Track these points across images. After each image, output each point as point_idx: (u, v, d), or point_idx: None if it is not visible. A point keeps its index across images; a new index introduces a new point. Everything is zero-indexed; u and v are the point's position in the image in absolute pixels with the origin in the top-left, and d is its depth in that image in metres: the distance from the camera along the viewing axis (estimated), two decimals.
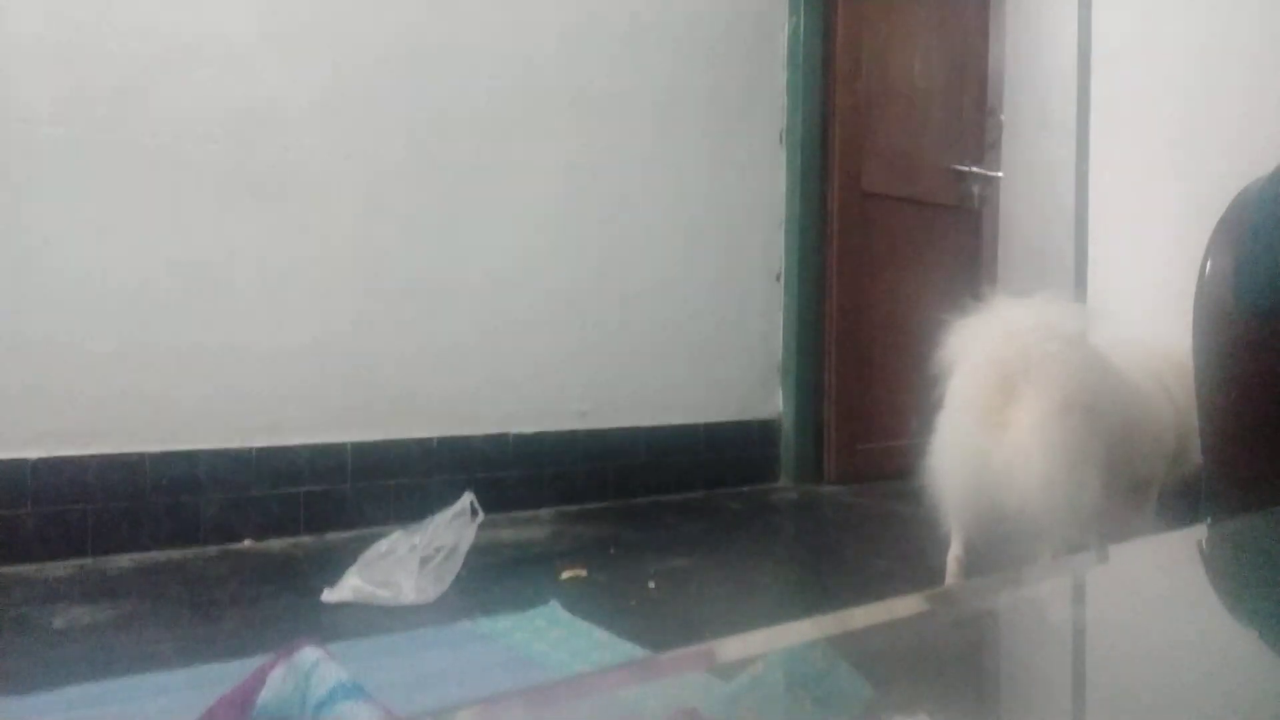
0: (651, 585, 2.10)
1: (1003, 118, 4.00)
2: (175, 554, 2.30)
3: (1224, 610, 0.91)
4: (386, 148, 2.63)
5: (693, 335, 3.24)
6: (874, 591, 2.09)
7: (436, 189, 2.72)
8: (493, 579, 2.12)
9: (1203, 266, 1.47)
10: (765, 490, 3.33)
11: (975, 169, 3.84)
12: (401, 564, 1.96)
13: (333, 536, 2.50)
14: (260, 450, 2.45)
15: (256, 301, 2.46)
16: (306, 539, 2.48)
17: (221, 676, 1.13)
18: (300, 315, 2.52)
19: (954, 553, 1.85)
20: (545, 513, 2.84)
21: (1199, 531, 1.16)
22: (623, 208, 3.06)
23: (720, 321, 3.31)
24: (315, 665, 0.82)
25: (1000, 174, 3.97)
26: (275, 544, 2.43)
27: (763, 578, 2.27)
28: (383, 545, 2.01)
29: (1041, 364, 1.66)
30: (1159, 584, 1.00)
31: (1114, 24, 2.62)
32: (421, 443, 2.68)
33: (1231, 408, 1.38)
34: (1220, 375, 1.40)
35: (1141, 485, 1.89)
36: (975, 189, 3.86)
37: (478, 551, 2.11)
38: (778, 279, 3.44)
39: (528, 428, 2.87)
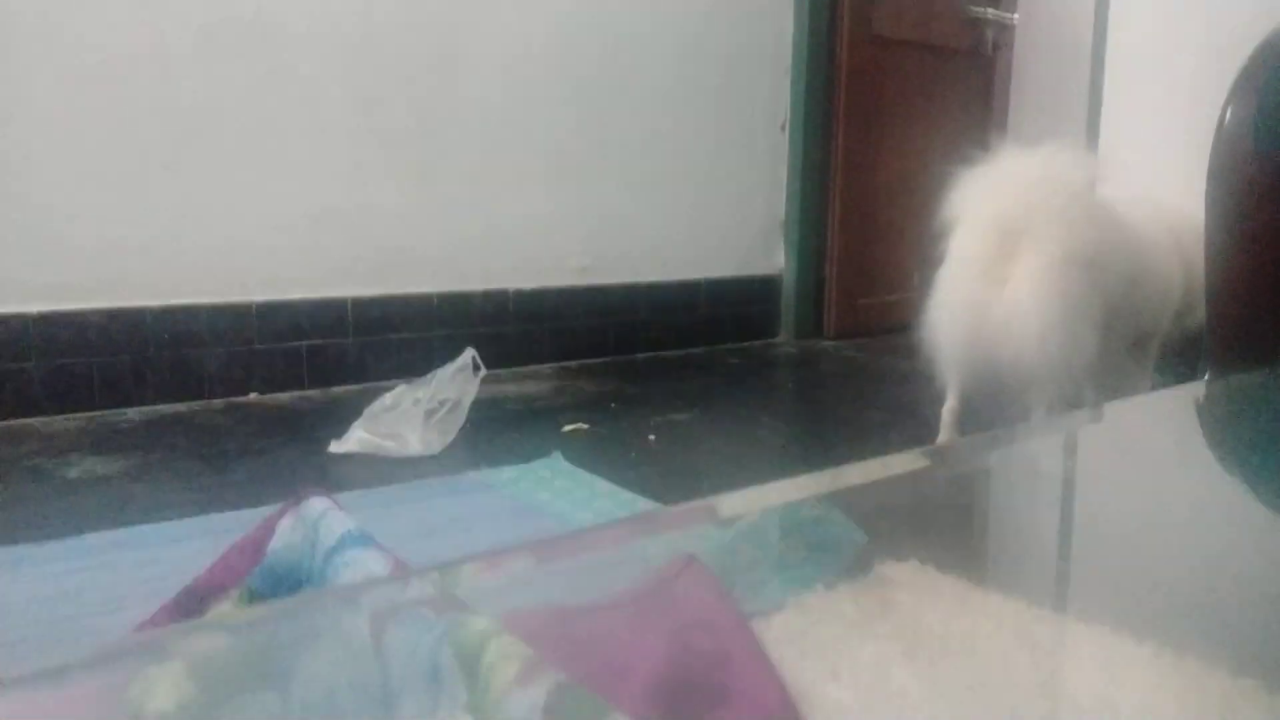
0: (652, 438, 2.13)
1: None
2: (181, 407, 2.34)
3: (1214, 466, 0.92)
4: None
5: (694, 188, 3.18)
6: (871, 443, 2.13)
7: (429, 28, 2.61)
8: (496, 432, 2.15)
9: (1222, 114, 1.42)
10: (766, 345, 3.35)
11: (990, 13, 3.67)
12: (406, 417, 1.99)
13: (337, 390, 2.53)
14: (261, 304, 2.45)
15: (247, 151, 2.40)
16: (312, 392, 2.51)
17: (233, 525, 1.17)
18: (292, 165, 2.46)
19: (949, 405, 1.87)
20: (547, 368, 2.86)
21: (1196, 388, 1.16)
22: (620, 52, 2.95)
23: (722, 174, 3.24)
24: (323, 514, 0.84)
25: (1016, 18, 3.80)
26: (281, 397, 2.46)
27: (761, 431, 2.31)
28: (387, 399, 2.04)
29: (1044, 218, 1.63)
30: (1152, 440, 1.01)
31: None
32: (422, 298, 2.67)
33: (1240, 257, 1.36)
34: (1232, 223, 1.37)
35: (1145, 339, 1.90)
36: (989, 34, 3.71)
37: (481, 405, 2.14)
38: (782, 129, 3.35)
39: (527, 284, 2.85)
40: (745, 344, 3.33)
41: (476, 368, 2.09)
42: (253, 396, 2.44)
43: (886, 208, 3.50)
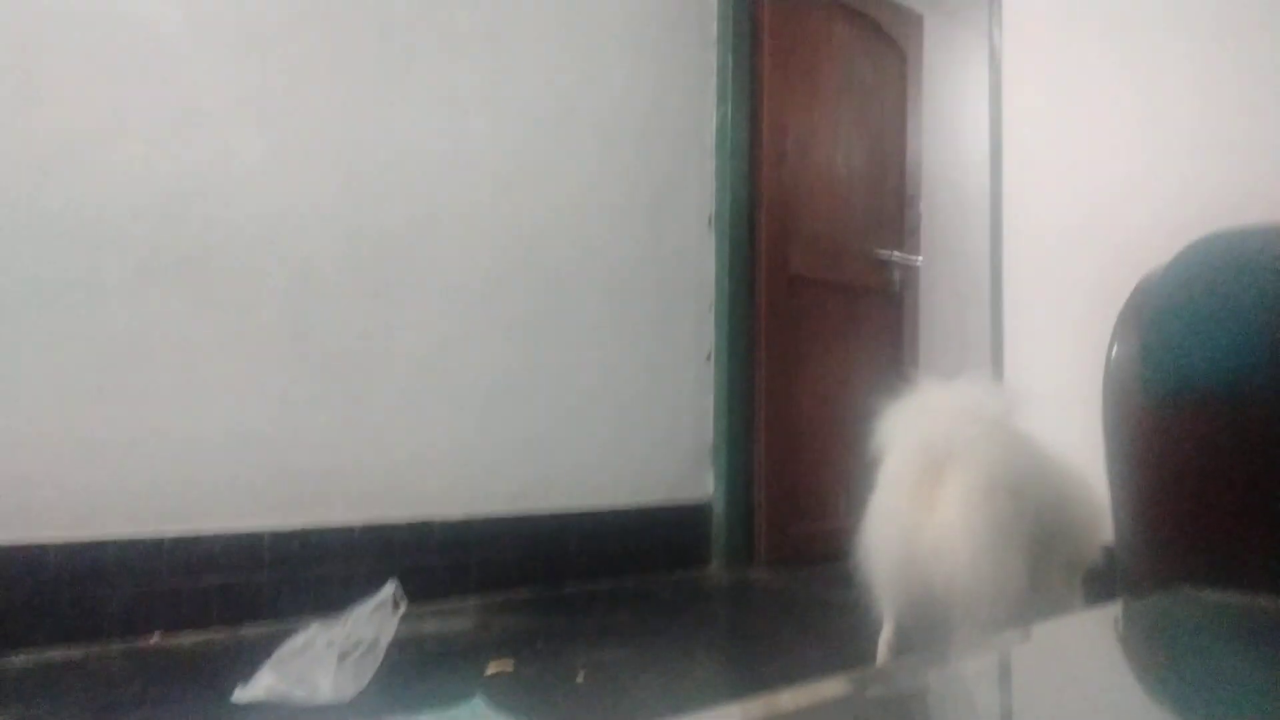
0: (580, 678, 2.04)
1: (921, 206, 4.16)
2: (77, 652, 2.18)
3: (1136, 687, 0.92)
4: (316, 223, 2.61)
5: (624, 416, 3.23)
6: (807, 677, 2.07)
7: (365, 266, 2.70)
8: (414, 675, 2.04)
9: (1109, 352, 1.53)
10: (697, 575, 3.30)
11: (896, 255, 3.97)
12: (319, 660, 1.88)
13: (247, 630, 2.39)
14: (173, 539, 2.35)
15: (175, 380, 2.39)
16: (219, 633, 2.37)
17: None
18: (220, 395, 2.45)
19: (885, 635, 1.85)
20: (471, 602, 2.76)
21: (1114, 610, 1.18)
22: (552, 286, 3.08)
23: (652, 403, 3.31)
24: None
25: (920, 260, 4.11)
26: (186, 639, 2.31)
27: (693, 667, 2.23)
28: (299, 640, 1.94)
29: (967, 446, 1.69)
30: (1078, 662, 1.01)
31: (1023, 117, 2.76)
32: (343, 530, 2.60)
33: (1137, 487, 1.42)
34: (1127, 456, 1.44)
35: (1074, 564, 1.92)
36: (896, 274, 3.99)
37: (399, 645, 2.04)
38: (708, 359, 3.47)
39: (453, 513, 2.81)
40: (676, 573, 3.28)
41: (397, 604, 2.01)
42: (155, 638, 2.29)
43: (811, 435, 3.60)
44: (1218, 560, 1.29)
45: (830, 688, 0.92)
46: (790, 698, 0.86)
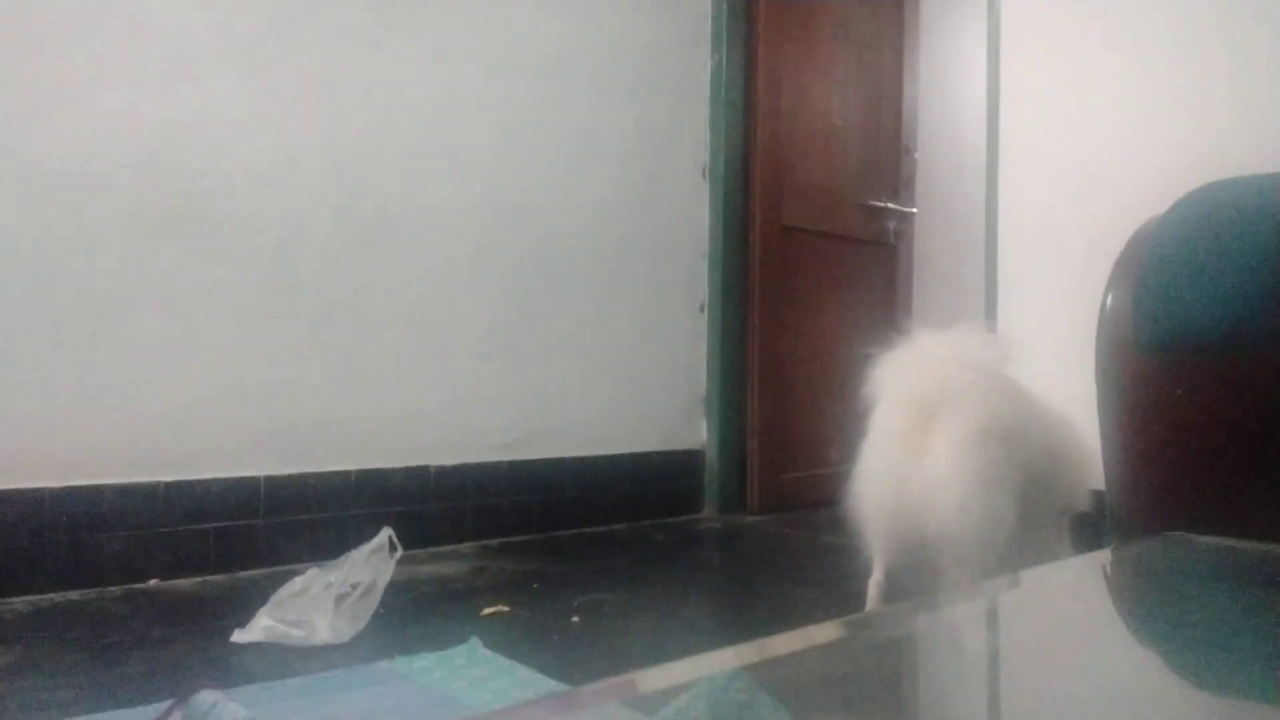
0: (575, 620, 2.07)
1: (917, 156, 4.13)
2: (76, 595, 2.20)
3: (1124, 631, 0.94)
4: (307, 175, 2.59)
5: (617, 366, 3.24)
6: (797, 620, 2.11)
7: (357, 218, 2.68)
8: (412, 617, 2.07)
9: (1103, 301, 1.53)
10: (690, 521, 3.34)
11: (891, 205, 3.95)
12: (316, 602, 1.90)
13: (245, 574, 2.42)
14: (169, 484, 2.36)
15: (168, 330, 2.38)
16: (217, 577, 2.39)
17: None
18: (214, 344, 2.44)
19: (875, 579, 1.87)
20: (467, 547, 2.79)
21: (1103, 556, 1.20)
22: (547, 237, 3.06)
23: (645, 352, 3.32)
24: (213, 707, 0.79)
25: (915, 210, 4.09)
26: (183, 583, 2.33)
27: (687, 609, 2.27)
28: (297, 583, 1.95)
29: (959, 394, 1.70)
30: (1066, 607, 1.03)
31: (1021, 69, 2.73)
32: (338, 475, 2.62)
33: (1129, 435, 1.43)
34: (1119, 404, 1.45)
35: (1063, 511, 1.95)
36: (891, 224, 3.97)
37: (396, 588, 2.07)
38: (701, 310, 3.47)
39: (449, 460, 2.83)
40: (670, 519, 3.31)
41: (393, 548, 2.02)
42: (153, 583, 2.31)
43: (804, 385, 3.61)
44: (1208, 507, 1.31)
45: (822, 632, 0.93)
46: (783, 641, 0.88)
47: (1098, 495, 1.95)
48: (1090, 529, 1.96)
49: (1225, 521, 1.22)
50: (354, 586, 1.94)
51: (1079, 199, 2.57)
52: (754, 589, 2.57)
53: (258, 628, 1.87)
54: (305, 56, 2.59)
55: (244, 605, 1.97)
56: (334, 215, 2.64)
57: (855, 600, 1.95)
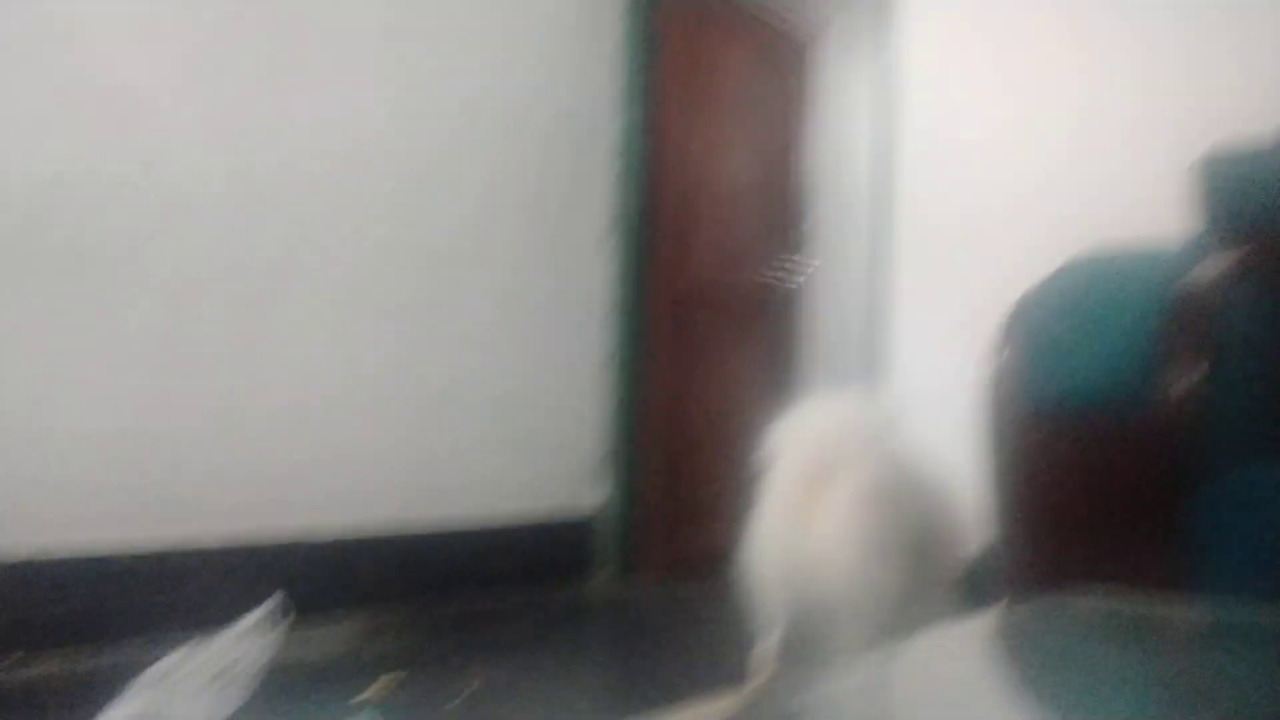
0: (466, 697, 1.99)
1: (812, 219, 4.24)
2: None
3: (1019, 694, 0.94)
4: (198, 225, 2.48)
5: (516, 425, 3.18)
6: (692, 688, 2.06)
7: (250, 266, 2.58)
8: (289, 697, 1.94)
9: (991, 362, 1.57)
10: (586, 587, 3.27)
11: (789, 264, 4.03)
12: (190, 683, 1.78)
13: (109, 656, 2.24)
14: (24, 562, 2.19)
15: (37, 385, 2.23)
16: (77, 659, 2.21)
17: None
18: (88, 401, 2.30)
19: (769, 645, 1.86)
20: (354, 620, 2.67)
21: (994, 616, 1.21)
22: (447, 292, 3.01)
23: (545, 411, 3.27)
24: None
25: (811, 271, 4.19)
26: (37, 670, 2.15)
27: (580, 682, 2.21)
28: (169, 662, 1.83)
29: (849, 457, 1.72)
30: (959, 669, 1.03)
31: (912, 134, 2.84)
32: (218, 545, 2.47)
33: (1017, 494, 1.46)
34: (1007, 463, 1.48)
35: (947, 571, 1.97)
36: (789, 283, 4.05)
37: (278, 665, 1.95)
38: (604, 366, 3.46)
39: (335, 525, 2.71)
40: (565, 585, 3.24)
41: (275, 621, 1.92)
42: (7, 664, 2.13)
43: (704, 443, 3.62)
44: (1096, 561, 1.33)
45: (714, 708, 0.90)
46: (677, 717, 0.84)
47: (986, 553, 1.98)
48: (978, 588, 1.99)
49: (1113, 575, 1.24)
50: (231, 665, 1.83)
51: (968, 263, 2.66)
52: (649, 657, 2.52)
53: (124, 714, 1.73)
54: (202, 100, 2.50)
55: (106, 690, 1.83)
56: (226, 263, 2.53)
57: (749, 668, 1.92)
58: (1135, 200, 2.24)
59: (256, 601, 1.93)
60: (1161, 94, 2.34)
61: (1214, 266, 1.40)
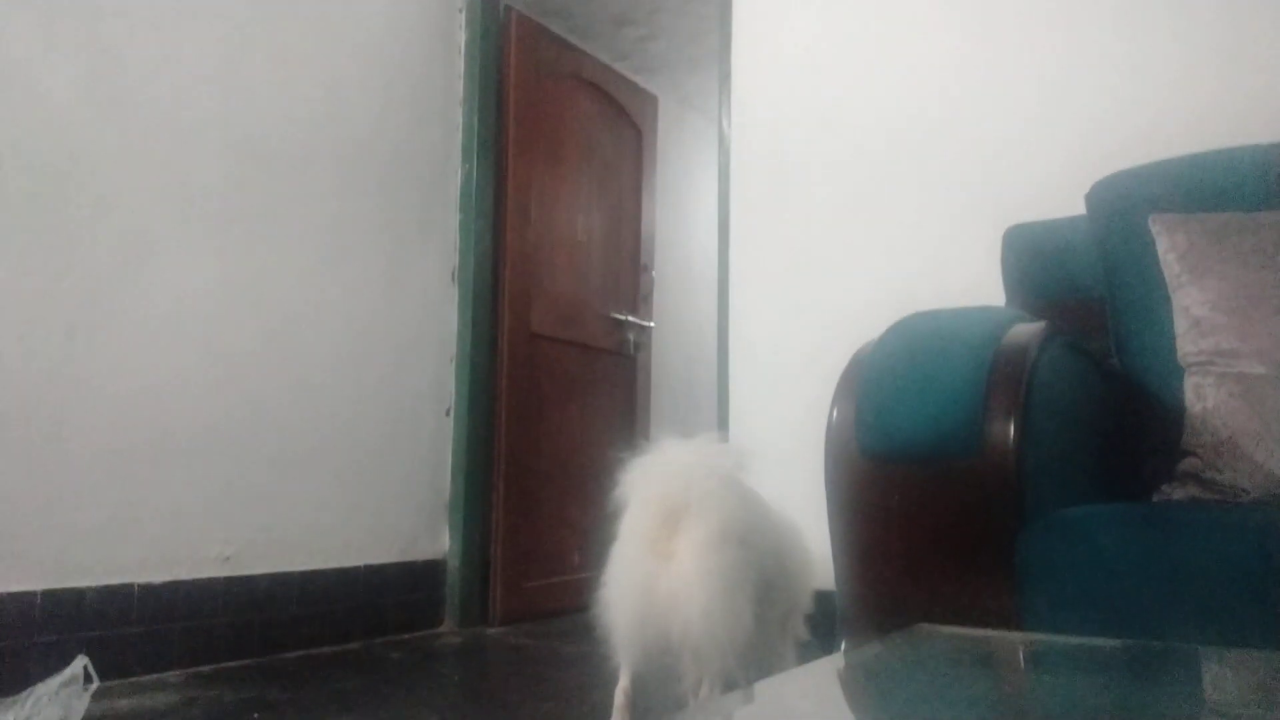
0: None
1: (654, 274, 4.38)
2: None
3: None
4: (6, 245, 2.31)
5: (356, 471, 3.09)
6: None
7: (63, 307, 2.41)
8: None
9: (830, 415, 1.68)
10: (430, 636, 3.19)
11: (631, 318, 4.13)
12: None
13: None
14: None
15: None
16: None
17: None
18: None
19: (622, 685, 1.88)
20: (176, 675, 2.50)
21: (836, 659, 1.28)
22: (284, 333, 2.91)
23: (386, 457, 3.20)
24: None
25: (653, 324, 4.31)
26: None
27: None
28: None
29: (700, 499, 1.79)
30: (808, 708, 1.08)
31: (749, 196, 2.99)
32: (23, 596, 2.27)
33: (854, 538, 1.56)
34: (845, 509, 1.58)
35: (791, 612, 2.07)
36: (631, 336, 4.15)
37: None
38: (447, 414, 3.42)
39: (156, 577, 2.54)
40: (408, 635, 3.15)
41: (88, 680, 1.77)
42: None
43: (548, 492, 3.62)
44: (929, 602, 1.44)
45: None
46: None
47: (826, 596, 2.09)
48: (818, 629, 2.09)
49: (945, 615, 1.35)
50: None
51: (805, 319, 2.82)
52: (496, 706, 2.48)
53: None
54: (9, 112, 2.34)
55: None
56: (32, 295, 2.36)
57: (602, 711, 1.94)
58: (957, 268, 2.46)
59: (68, 658, 1.78)
60: (978, 185, 2.58)
61: (1026, 328, 1.57)
